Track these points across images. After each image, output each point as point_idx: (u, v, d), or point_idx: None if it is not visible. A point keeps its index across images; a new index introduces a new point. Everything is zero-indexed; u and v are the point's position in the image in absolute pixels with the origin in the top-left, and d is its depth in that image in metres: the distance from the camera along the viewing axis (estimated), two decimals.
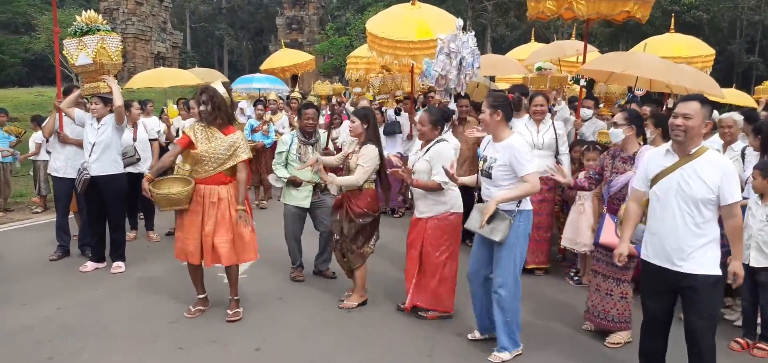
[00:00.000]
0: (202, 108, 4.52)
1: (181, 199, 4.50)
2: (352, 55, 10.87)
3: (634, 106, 6.54)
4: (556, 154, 5.89)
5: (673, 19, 9.34)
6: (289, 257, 5.80)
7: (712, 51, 8.67)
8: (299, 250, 5.77)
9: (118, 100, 5.68)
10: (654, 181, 3.32)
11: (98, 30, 5.60)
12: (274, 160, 5.70)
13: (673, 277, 3.24)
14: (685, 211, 3.17)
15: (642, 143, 4.42)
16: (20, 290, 5.34)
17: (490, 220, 3.87)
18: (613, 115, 7.05)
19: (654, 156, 3.42)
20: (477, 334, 4.37)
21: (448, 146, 4.55)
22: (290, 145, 5.53)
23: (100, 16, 5.80)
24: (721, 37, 29.66)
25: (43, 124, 6.83)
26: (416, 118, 8.61)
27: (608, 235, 4.31)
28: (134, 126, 7.10)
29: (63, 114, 6.07)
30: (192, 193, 4.53)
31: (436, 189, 4.48)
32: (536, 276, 5.92)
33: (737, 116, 5.30)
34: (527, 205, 4.00)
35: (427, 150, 4.58)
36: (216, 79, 5.93)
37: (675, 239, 3.20)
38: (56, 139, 6.20)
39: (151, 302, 5.12)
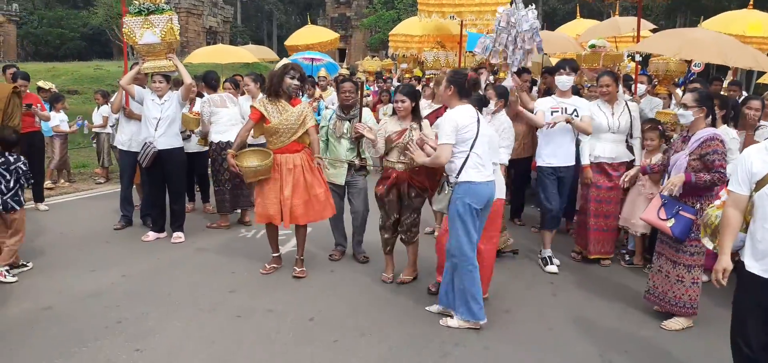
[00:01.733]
0: (294, 81, 4.99)
1: (266, 170, 4.96)
2: (396, 32, 10.83)
3: (697, 84, 6.27)
4: (629, 136, 5.54)
5: None
6: None
7: None
8: (338, 228, 5.74)
9: (187, 79, 6.00)
10: (762, 182, 2.87)
11: (163, 10, 5.79)
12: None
13: None
14: None
15: (709, 125, 4.19)
16: (88, 257, 5.65)
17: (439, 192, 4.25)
18: (669, 94, 6.83)
19: (757, 153, 2.94)
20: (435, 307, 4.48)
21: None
22: (329, 120, 5.51)
23: None
24: None
25: (111, 100, 7.21)
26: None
27: (649, 212, 4.35)
28: (192, 102, 7.33)
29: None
30: (272, 164, 4.97)
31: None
32: (592, 262, 5.70)
33: None
34: (469, 177, 4.01)
35: None
36: (272, 57, 6.16)
37: None
38: (123, 114, 6.49)
39: (210, 271, 5.34)
